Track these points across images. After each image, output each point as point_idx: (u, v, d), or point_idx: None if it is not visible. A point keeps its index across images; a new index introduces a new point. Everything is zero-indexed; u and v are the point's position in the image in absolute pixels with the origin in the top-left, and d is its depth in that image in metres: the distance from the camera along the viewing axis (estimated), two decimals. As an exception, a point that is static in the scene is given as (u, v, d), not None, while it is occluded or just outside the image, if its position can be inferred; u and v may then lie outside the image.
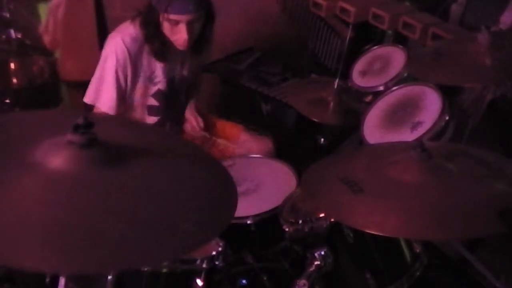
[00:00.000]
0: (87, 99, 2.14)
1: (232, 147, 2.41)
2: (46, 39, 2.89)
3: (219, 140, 2.42)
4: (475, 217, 1.20)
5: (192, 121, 2.39)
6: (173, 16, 1.99)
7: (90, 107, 2.16)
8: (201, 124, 2.38)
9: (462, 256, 1.95)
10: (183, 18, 1.99)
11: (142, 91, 2.19)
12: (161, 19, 2.03)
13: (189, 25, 2.02)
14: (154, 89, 2.21)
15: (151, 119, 2.27)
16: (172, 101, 2.30)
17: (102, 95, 2.11)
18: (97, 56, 2.15)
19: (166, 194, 1.04)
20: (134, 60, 2.10)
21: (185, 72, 2.29)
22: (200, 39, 2.14)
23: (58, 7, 2.86)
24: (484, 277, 1.85)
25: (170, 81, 2.25)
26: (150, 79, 2.18)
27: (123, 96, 2.14)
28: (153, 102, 2.23)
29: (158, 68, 2.18)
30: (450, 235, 1.44)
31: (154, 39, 2.08)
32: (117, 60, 2.06)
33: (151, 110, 2.25)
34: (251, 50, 3.30)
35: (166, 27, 2.04)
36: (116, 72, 2.08)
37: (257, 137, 2.41)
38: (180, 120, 2.41)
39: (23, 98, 2.70)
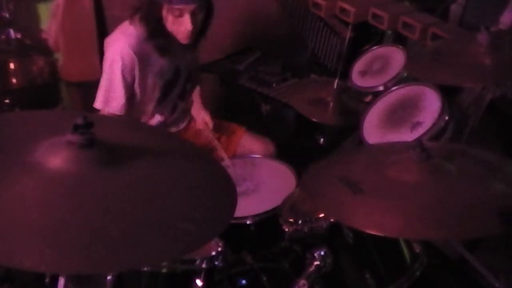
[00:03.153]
0: (97, 105, 2.13)
1: (233, 148, 2.40)
2: (50, 42, 2.89)
3: (222, 138, 2.42)
4: (475, 217, 1.20)
5: (199, 119, 2.39)
6: (177, 6, 2.00)
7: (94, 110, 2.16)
8: (208, 121, 2.37)
9: (462, 256, 1.95)
10: (187, 7, 2.00)
11: (152, 87, 2.20)
12: (164, 12, 2.03)
13: (193, 15, 2.02)
14: (161, 83, 2.22)
15: (156, 110, 2.29)
16: (174, 90, 2.31)
17: (111, 100, 2.11)
18: (97, 56, 2.14)
19: (166, 194, 1.04)
20: (141, 61, 2.10)
21: (185, 64, 2.30)
22: (200, 32, 2.14)
23: (58, 8, 2.86)
24: (484, 277, 1.85)
25: (174, 73, 2.26)
26: (159, 74, 2.19)
27: (132, 98, 2.15)
28: (159, 94, 2.25)
29: (164, 63, 2.18)
30: (450, 235, 1.44)
31: (157, 35, 2.09)
32: (124, 64, 2.06)
33: (157, 102, 2.27)
34: (251, 50, 3.30)
35: (169, 20, 2.04)
36: (124, 76, 2.07)
37: (259, 138, 2.41)
38: (180, 107, 2.41)
39: (23, 98, 2.70)
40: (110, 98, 2.11)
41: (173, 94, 2.33)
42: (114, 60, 2.07)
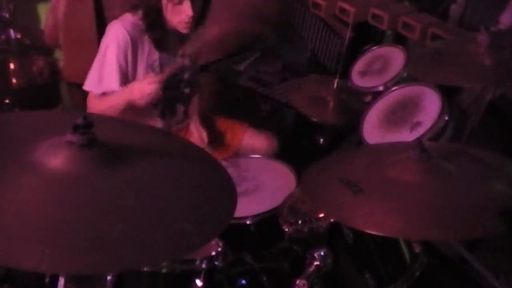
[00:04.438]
0: (88, 86, 2.14)
1: (237, 144, 2.41)
2: (46, 35, 2.89)
3: (227, 135, 2.43)
4: (475, 217, 1.20)
5: (195, 136, 2.36)
6: None
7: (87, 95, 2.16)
8: (205, 139, 2.36)
9: (461, 256, 1.95)
10: None
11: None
12: (164, 1, 2.05)
13: (193, 1, 2.04)
14: None
15: (152, 108, 2.28)
16: (171, 91, 2.31)
17: (104, 81, 2.12)
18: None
19: (166, 194, 1.04)
20: (135, 46, 2.12)
21: (183, 61, 2.30)
22: (198, 22, 2.15)
23: (57, 7, 2.86)
24: (484, 277, 1.85)
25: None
26: (152, 68, 2.19)
27: (126, 82, 2.15)
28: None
29: (157, 58, 2.19)
30: (450, 235, 1.44)
31: (155, 27, 2.11)
32: (118, 45, 2.08)
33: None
34: (251, 50, 3.30)
35: (169, 9, 2.06)
36: (118, 57, 2.09)
37: (262, 134, 2.41)
38: (180, 109, 2.41)
39: (23, 98, 2.70)
40: (102, 78, 2.12)
41: (172, 96, 2.32)
42: (110, 43, 2.10)
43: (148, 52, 2.17)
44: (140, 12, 2.12)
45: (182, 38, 2.19)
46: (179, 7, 2.05)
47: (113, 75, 2.11)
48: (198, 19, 2.15)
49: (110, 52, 2.10)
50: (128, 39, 2.09)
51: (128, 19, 2.13)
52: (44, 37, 2.90)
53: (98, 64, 2.13)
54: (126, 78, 2.15)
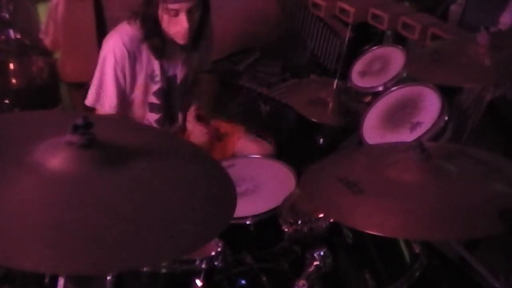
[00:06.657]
0: (89, 102, 2.15)
1: (231, 149, 2.40)
2: (47, 41, 2.90)
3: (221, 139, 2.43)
4: (475, 217, 1.20)
5: (196, 132, 2.36)
6: (172, 6, 1.99)
7: (90, 109, 2.17)
8: (205, 131, 2.36)
9: (461, 257, 1.95)
10: (183, 6, 2.00)
11: (143, 89, 2.19)
12: (160, 12, 2.03)
13: (189, 13, 2.02)
14: (155, 87, 2.21)
15: (152, 116, 2.28)
16: (172, 99, 2.30)
17: (103, 96, 2.13)
18: (97, 57, 2.16)
19: (166, 194, 1.04)
20: (133, 58, 2.11)
21: (185, 71, 2.29)
22: (198, 32, 2.14)
23: (57, 8, 2.86)
24: (484, 278, 1.85)
25: (170, 79, 2.25)
26: (151, 77, 2.19)
27: (123, 95, 2.16)
28: (154, 100, 2.24)
29: (157, 66, 2.18)
30: (450, 236, 1.44)
31: (153, 36, 2.10)
32: (115, 60, 2.08)
33: (152, 108, 2.26)
34: (251, 51, 3.31)
35: (165, 20, 2.04)
36: (115, 72, 2.09)
37: (258, 139, 2.41)
38: (181, 117, 2.40)
39: (22, 99, 2.70)
40: (101, 95, 2.13)
41: (173, 104, 2.32)
42: (107, 56, 2.10)
43: (147, 62, 2.16)
44: (138, 21, 2.10)
45: (182, 46, 2.18)
46: (175, 19, 2.03)
47: (110, 96, 2.12)
48: (198, 30, 2.14)
49: (107, 68, 2.09)
50: (125, 52, 2.08)
51: (125, 29, 2.11)
52: (46, 43, 2.90)
53: (97, 80, 2.13)
54: (123, 93, 2.16)
